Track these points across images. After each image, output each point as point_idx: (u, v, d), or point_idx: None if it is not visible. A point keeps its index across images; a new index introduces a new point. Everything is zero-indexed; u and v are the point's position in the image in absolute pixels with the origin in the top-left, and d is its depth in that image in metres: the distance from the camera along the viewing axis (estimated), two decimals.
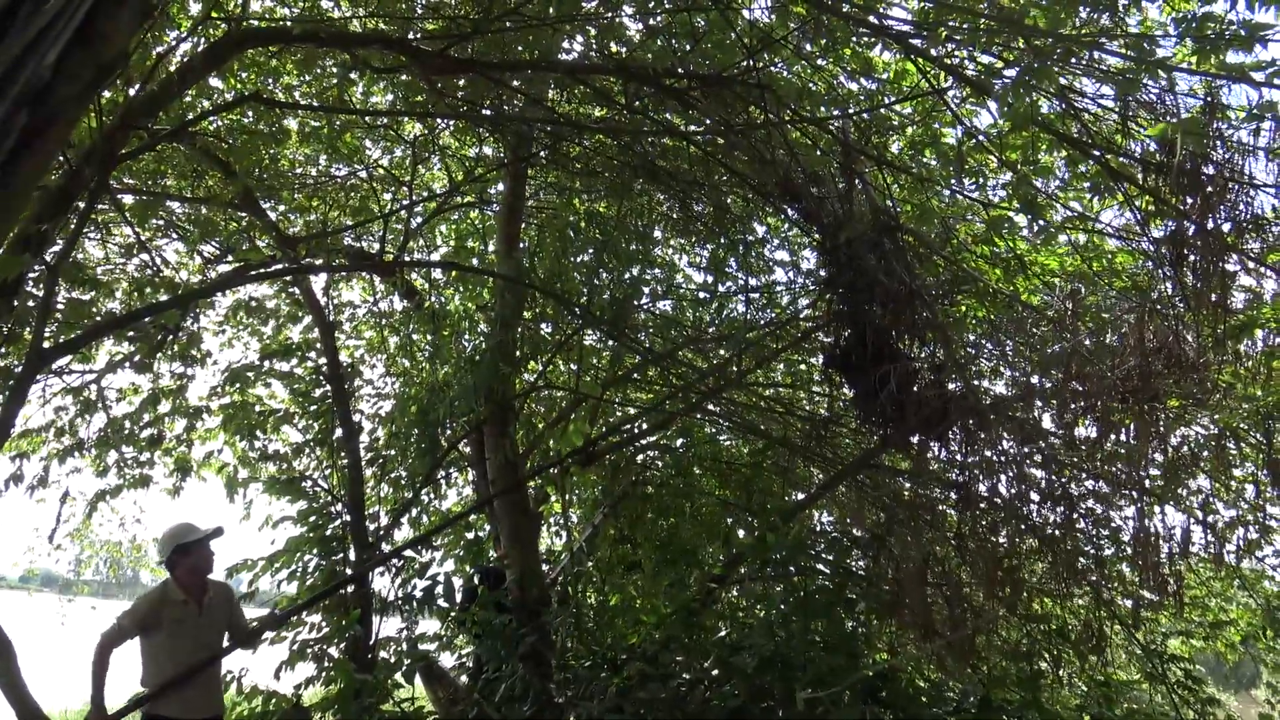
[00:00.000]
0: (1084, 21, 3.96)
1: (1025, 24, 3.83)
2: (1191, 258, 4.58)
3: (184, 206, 8.30)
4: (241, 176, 7.04)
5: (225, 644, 5.80)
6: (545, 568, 7.67)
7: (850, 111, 6.08)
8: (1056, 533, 5.95)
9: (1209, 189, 4.06)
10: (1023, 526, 5.88)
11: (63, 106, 3.27)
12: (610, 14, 6.13)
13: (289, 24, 4.84)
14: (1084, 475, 6.15)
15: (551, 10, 5.62)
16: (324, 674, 6.35)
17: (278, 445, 8.55)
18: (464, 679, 7.52)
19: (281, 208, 8.87)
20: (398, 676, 6.03)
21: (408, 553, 7.03)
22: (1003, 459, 5.76)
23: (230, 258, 8.51)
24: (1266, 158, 4.26)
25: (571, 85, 6.74)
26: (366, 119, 7.91)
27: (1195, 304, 4.61)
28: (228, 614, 5.89)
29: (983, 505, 5.89)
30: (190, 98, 6.61)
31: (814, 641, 5.59)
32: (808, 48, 6.00)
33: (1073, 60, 4.34)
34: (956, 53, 4.72)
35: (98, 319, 7.45)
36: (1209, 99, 3.89)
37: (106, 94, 4.82)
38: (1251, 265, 4.32)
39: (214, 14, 5.21)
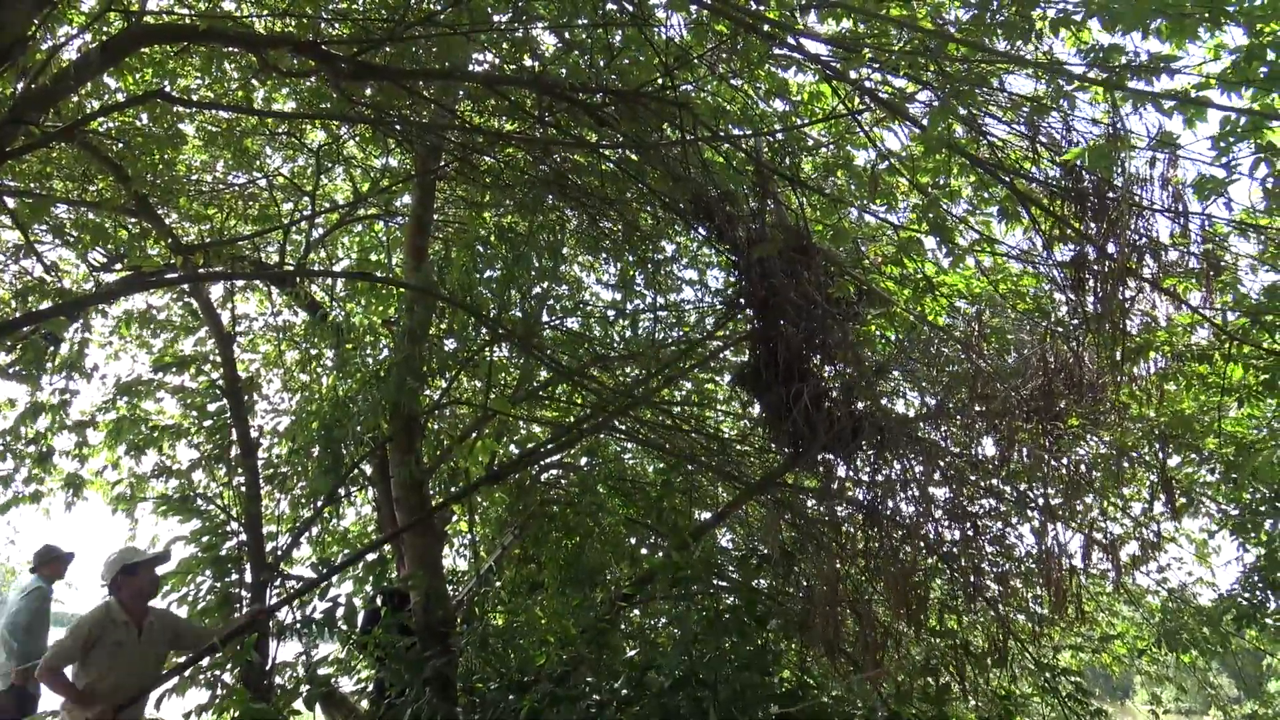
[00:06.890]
0: (999, 51, 4.07)
1: (948, 49, 3.92)
2: (1091, 281, 4.75)
3: (71, 210, 7.89)
4: (135, 180, 6.75)
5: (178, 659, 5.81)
6: (450, 589, 7.50)
7: (764, 131, 6.14)
8: (958, 549, 6.07)
9: (1111, 214, 4.21)
10: (924, 545, 5.98)
11: None
12: (524, 23, 6.07)
13: (194, 21, 4.64)
14: (985, 494, 6.29)
15: (466, 20, 5.53)
16: (216, 702, 6.07)
17: (169, 462, 8.18)
18: (364, 704, 7.28)
19: (175, 215, 8.51)
20: (298, 704, 5.83)
21: (307, 573, 6.82)
22: (908, 477, 5.86)
23: (120, 265, 8.13)
24: (1162, 185, 4.44)
25: (484, 97, 6.65)
26: (270, 121, 7.66)
27: (1095, 326, 4.77)
28: (169, 641, 5.84)
29: (889, 523, 5.97)
30: (80, 97, 6.30)
31: (726, 660, 5.57)
32: (721, 69, 6.04)
33: (981, 87, 4.46)
34: (872, 76, 4.81)
35: None
36: (1113, 127, 4.03)
37: None
38: (1148, 288, 4.48)
39: (113, 9, 4.98)
